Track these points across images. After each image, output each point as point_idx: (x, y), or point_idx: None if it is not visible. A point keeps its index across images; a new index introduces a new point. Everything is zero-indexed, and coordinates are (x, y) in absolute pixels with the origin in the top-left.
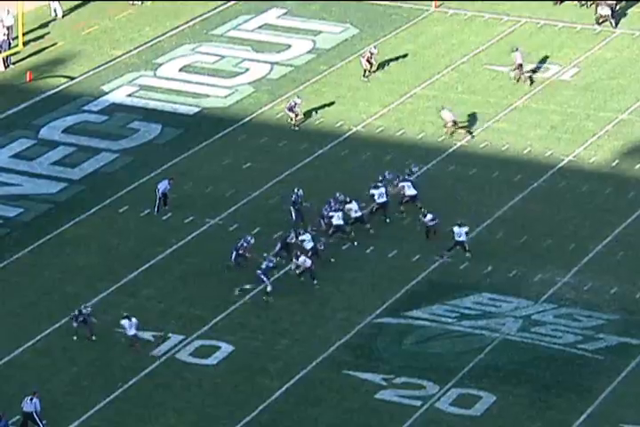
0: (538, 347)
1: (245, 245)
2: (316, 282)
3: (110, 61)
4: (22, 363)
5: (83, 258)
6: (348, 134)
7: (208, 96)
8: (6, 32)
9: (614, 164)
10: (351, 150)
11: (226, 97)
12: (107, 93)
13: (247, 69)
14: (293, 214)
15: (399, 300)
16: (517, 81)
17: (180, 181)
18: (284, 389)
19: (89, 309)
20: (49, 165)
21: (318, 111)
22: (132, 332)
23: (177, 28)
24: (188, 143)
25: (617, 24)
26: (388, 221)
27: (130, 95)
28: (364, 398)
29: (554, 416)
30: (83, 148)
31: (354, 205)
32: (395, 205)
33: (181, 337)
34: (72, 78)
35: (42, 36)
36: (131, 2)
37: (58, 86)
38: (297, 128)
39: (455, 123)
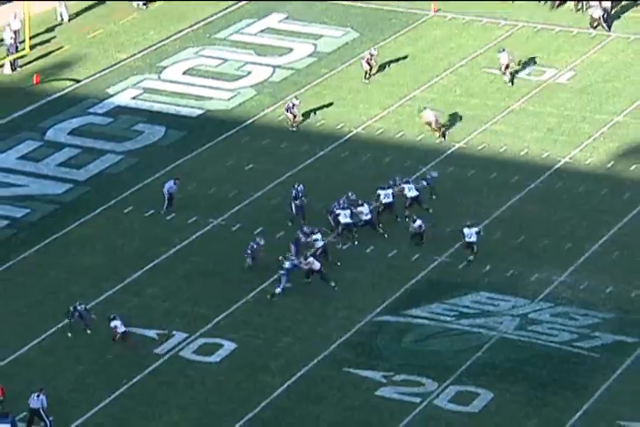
0: (535, 345)
1: (256, 246)
2: (334, 284)
3: (115, 65)
4: (28, 361)
5: (88, 258)
6: (348, 136)
7: (211, 99)
8: (13, 36)
9: (610, 165)
10: (351, 152)
11: (229, 99)
12: (112, 96)
13: (249, 72)
14: (293, 209)
15: (399, 299)
16: (512, 84)
17: (183, 182)
18: (285, 386)
19: (83, 305)
20: (55, 166)
21: (319, 113)
22: (122, 329)
23: (181, 31)
24: (191, 145)
25: (610, 27)
26: (399, 219)
27: (134, 98)
28: (365, 395)
29: (550, 413)
30: (88, 149)
31: (365, 209)
32: (401, 208)
33: (185, 335)
34: (78, 81)
35: (48, 40)
36: (135, 4)
37: (64, 89)
38: (295, 129)
39: (435, 122)
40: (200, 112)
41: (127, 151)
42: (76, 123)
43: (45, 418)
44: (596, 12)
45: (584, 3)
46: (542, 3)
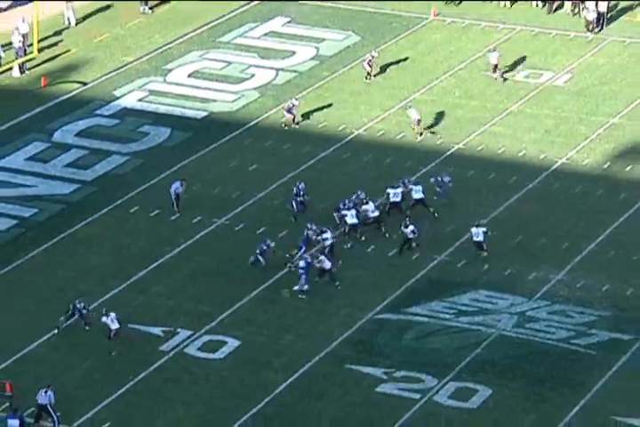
0: (532, 342)
1: (266, 248)
2: (337, 283)
3: (121, 67)
4: (36, 358)
5: (95, 256)
6: (349, 137)
7: (215, 101)
8: (22, 39)
9: (606, 166)
10: (353, 153)
11: (233, 102)
12: (118, 98)
13: (253, 75)
14: (294, 206)
15: (399, 297)
16: (504, 80)
17: (188, 182)
18: (288, 382)
19: (82, 304)
20: (62, 167)
21: (321, 115)
22: (115, 326)
23: (186, 35)
24: (196, 146)
25: (601, 29)
26: (409, 213)
27: (140, 100)
28: (366, 391)
29: (547, 409)
30: (95, 150)
31: (370, 206)
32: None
33: (190, 332)
34: (85, 84)
35: (56, 44)
36: (141, 8)
37: (71, 91)
38: (296, 127)
39: (419, 122)
40: (204, 114)
41: (133, 152)
42: (83, 124)
43: (53, 414)
44: (590, 15)
45: (580, 6)
46: (540, 7)
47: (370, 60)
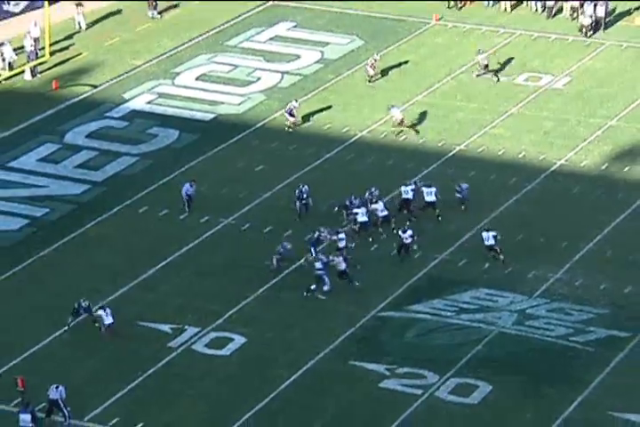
0: (532, 339)
1: (283, 251)
2: (357, 283)
3: (131, 71)
4: (48, 354)
5: (105, 255)
6: (353, 139)
7: (223, 103)
8: (33, 43)
9: (604, 167)
10: (357, 154)
11: (239, 104)
12: (127, 101)
13: (259, 78)
14: (297, 207)
15: (402, 295)
16: (497, 79)
17: (196, 183)
18: (293, 378)
19: (87, 302)
20: (73, 167)
21: (326, 117)
22: (108, 320)
23: (194, 39)
24: (203, 148)
25: (594, 33)
26: (413, 216)
27: (149, 102)
28: (369, 387)
29: (546, 405)
30: (105, 152)
31: (379, 206)
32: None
33: (197, 329)
34: (95, 86)
35: (67, 47)
36: (150, 13)
37: (82, 94)
38: (294, 130)
39: (402, 122)
40: (212, 116)
41: (142, 153)
42: (94, 126)
43: (64, 409)
44: (586, 20)
45: (579, 11)
46: (539, 12)
47: (372, 64)
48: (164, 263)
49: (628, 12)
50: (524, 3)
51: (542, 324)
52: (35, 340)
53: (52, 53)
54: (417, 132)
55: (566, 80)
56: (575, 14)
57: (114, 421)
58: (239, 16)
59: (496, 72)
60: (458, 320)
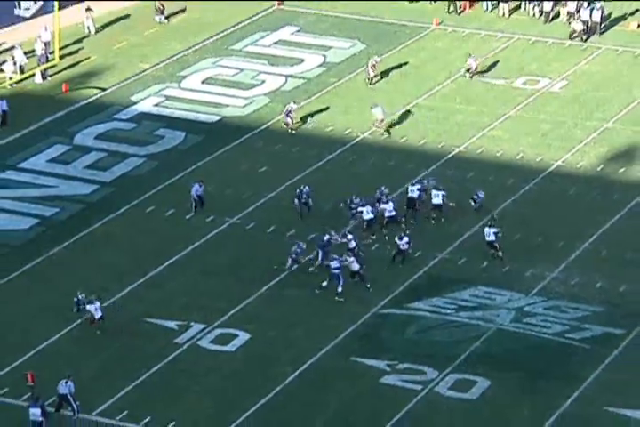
0: (529, 336)
1: (299, 251)
2: (369, 285)
3: (139, 74)
4: (57, 350)
5: (112, 254)
6: (355, 141)
7: (228, 106)
8: (44, 47)
9: (599, 168)
10: (358, 155)
11: (244, 107)
12: (135, 103)
13: (263, 81)
14: (298, 207)
15: (402, 293)
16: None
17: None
18: (296, 374)
19: (84, 295)
20: (82, 168)
21: (328, 119)
22: (98, 315)
23: (200, 43)
24: (209, 149)
25: (588, 38)
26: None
27: (156, 105)
28: (370, 382)
29: (543, 400)
30: (113, 153)
31: (389, 206)
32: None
33: (203, 326)
34: (104, 89)
35: (76, 51)
36: (157, 18)
37: (91, 97)
38: (294, 131)
39: (382, 121)
40: (217, 118)
41: (149, 155)
42: (102, 128)
43: (73, 403)
44: (578, 26)
45: (575, 16)
46: (537, 17)
47: (373, 65)
48: (170, 262)
49: (624, 18)
50: (522, 8)
51: (539, 321)
52: (44, 337)
53: (61, 57)
54: (389, 133)
55: (563, 83)
56: (572, 19)
57: (121, 415)
58: (244, 21)
59: (474, 72)
60: (457, 318)
